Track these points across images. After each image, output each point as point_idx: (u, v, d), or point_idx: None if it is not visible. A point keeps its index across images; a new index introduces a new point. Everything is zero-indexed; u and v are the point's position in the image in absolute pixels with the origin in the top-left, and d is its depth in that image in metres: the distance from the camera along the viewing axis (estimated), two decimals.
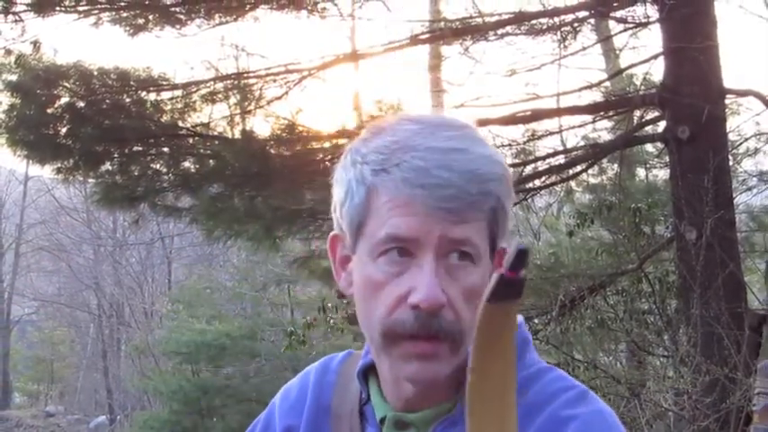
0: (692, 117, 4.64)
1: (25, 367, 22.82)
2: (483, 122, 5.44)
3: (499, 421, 0.70)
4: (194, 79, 5.26)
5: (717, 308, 4.41)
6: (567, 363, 5.70)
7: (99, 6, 5.16)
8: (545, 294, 5.74)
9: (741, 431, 4.18)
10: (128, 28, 5.19)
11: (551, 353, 6.05)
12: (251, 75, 5.36)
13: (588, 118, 5.87)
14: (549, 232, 8.96)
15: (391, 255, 0.87)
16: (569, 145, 6.62)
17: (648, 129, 5.84)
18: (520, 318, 0.98)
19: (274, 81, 5.32)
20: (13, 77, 5.01)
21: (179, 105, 5.30)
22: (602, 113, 5.86)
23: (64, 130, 5.15)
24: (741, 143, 7.07)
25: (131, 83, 5.18)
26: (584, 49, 5.78)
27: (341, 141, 5.04)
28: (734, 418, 4.17)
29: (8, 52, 5.01)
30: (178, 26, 5.25)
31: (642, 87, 5.85)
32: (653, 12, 5.16)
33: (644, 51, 6.19)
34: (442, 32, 5.62)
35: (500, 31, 5.43)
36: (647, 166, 7.80)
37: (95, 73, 5.10)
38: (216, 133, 5.41)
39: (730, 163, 5.46)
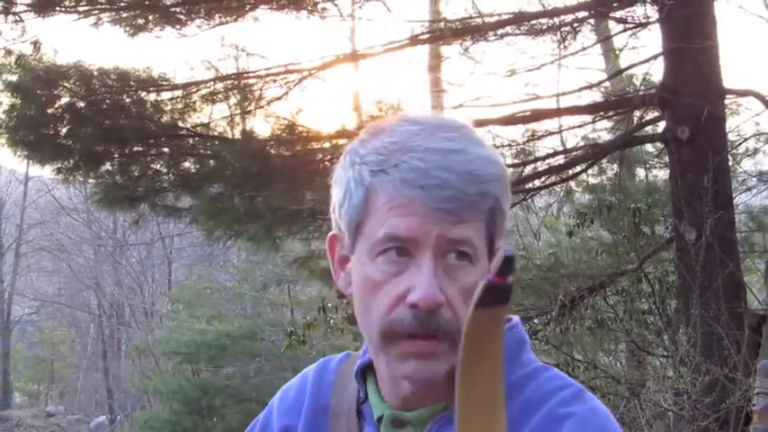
0: (691, 117, 4.65)
1: (25, 367, 22.83)
2: (483, 122, 5.45)
3: (488, 426, 0.70)
4: (194, 79, 5.26)
5: (716, 308, 4.41)
6: (567, 363, 5.71)
7: (99, 7, 5.16)
8: (545, 294, 5.74)
9: (741, 431, 4.18)
10: (128, 28, 5.19)
11: (551, 353, 6.05)
12: (251, 75, 5.37)
13: (588, 118, 5.87)
14: (548, 232, 8.97)
15: (390, 254, 0.87)
16: (569, 145, 6.63)
17: (648, 129, 5.84)
18: (516, 318, 0.99)
19: (274, 81, 5.32)
20: (14, 78, 5.01)
21: (179, 105, 5.31)
22: (601, 114, 5.86)
23: (64, 130, 5.15)
24: (741, 143, 7.07)
25: (131, 83, 5.18)
26: (583, 49, 5.78)
27: (341, 141, 5.05)
28: (733, 417, 4.17)
29: (8, 52, 5.01)
30: (178, 26, 5.25)
31: (642, 87, 5.85)
32: (653, 12, 5.16)
33: (644, 51, 6.19)
34: (442, 33, 5.63)
35: (500, 32, 5.43)
36: (647, 166, 7.81)
37: (95, 73, 5.10)
38: (216, 133, 5.41)
39: (730, 163, 5.46)
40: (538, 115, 5.47)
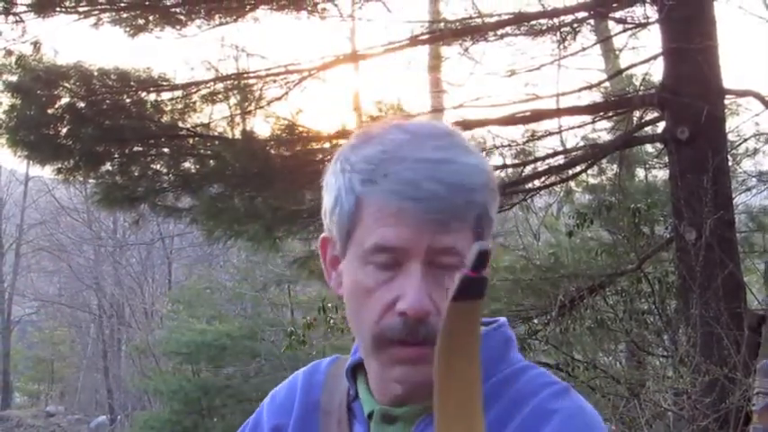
0: (691, 117, 4.65)
1: (26, 367, 22.83)
2: (483, 123, 5.46)
3: (466, 415, 0.72)
4: (194, 80, 5.26)
5: (716, 308, 4.41)
6: (567, 363, 5.71)
7: (99, 7, 5.16)
8: (545, 294, 5.75)
9: (740, 431, 4.19)
10: (128, 29, 5.20)
11: (551, 353, 6.06)
12: (251, 75, 5.37)
13: (588, 118, 5.87)
14: (548, 232, 8.97)
15: (380, 263, 0.89)
16: (569, 145, 6.62)
17: (648, 129, 5.84)
18: (503, 319, 1.02)
19: (274, 81, 5.33)
20: (14, 78, 5.02)
21: (179, 106, 5.31)
22: (601, 114, 5.86)
23: (64, 130, 5.16)
24: (740, 143, 7.08)
25: (131, 83, 5.18)
26: (583, 49, 5.78)
27: (341, 142, 5.04)
28: (733, 417, 4.17)
29: (9, 53, 5.02)
30: (178, 27, 5.25)
31: (641, 88, 5.85)
32: (652, 12, 5.16)
33: (643, 52, 6.20)
34: (442, 33, 5.63)
35: (500, 32, 5.43)
36: (647, 166, 7.81)
37: (96, 73, 5.11)
38: (216, 134, 5.42)
39: (729, 163, 5.46)
40: (538, 115, 5.47)
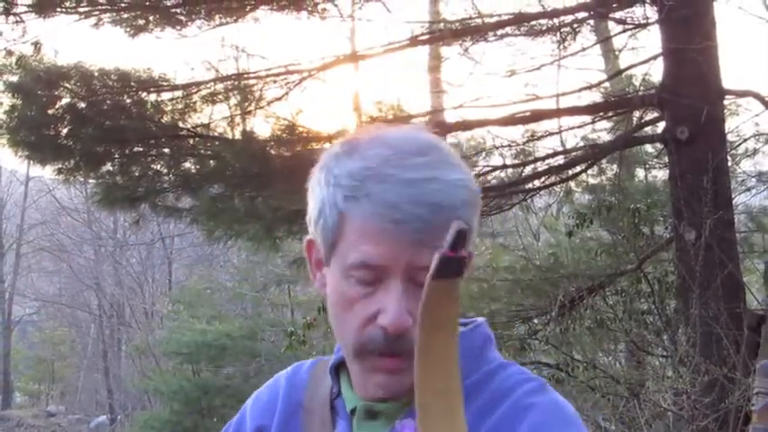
0: (691, 118, 4.65)
1: (26, 367, 22.85)
2: (483, 123, 5.46)
3: (444, 389, 0.75)
4: (195, 80, 5.27)
5: (716, 308, 4.42)
6: (567, 363, 5.72)
7: (99, 7, 5.17)
8: (545, 294, 5.75)
9: (740, 431, 4.19)
10: (128, 29, 5.20)
11: (551, 353, 6.06)
12: (251, 75, 5.37)
13: (588, 119, 5.88)
14: (548, 233, 8.99)
15: (361, 278, 0.92)
16: (569, 145, 6.63)
17: (648, 129, 5.84)
18: (481, 319, 1.05)
19: (274, 82, 5.33)
20: (15, 78, 5.02)
21: (179, 106, 5.32)
22: (601, 114, 5.86)
23: (65, 130, 5.16)
24: (740, 144, 7.08)
25: (132, 84, 5.19)
26: (583, 49, 5.78)
27: None
28: (733, 417, 4.18)
29: (9, 53, 5.02)
30: (179, 27, 5.26)
31: (641, 88, 5.86)
32: (652, 13, 5.16)
33: (643, 52, 6.20)
34: (442, 33, 5.63)
35: (499, 32, 5.43)
36: (647, 166, 7.82)
37: (96, 74, 5.11)
38: (216, 134, 5.42)
39: (729, 163, 5.46)
40: (537, 116, 5.47)
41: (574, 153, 5.99)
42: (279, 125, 5.35)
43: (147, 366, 16.00)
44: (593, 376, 5.49)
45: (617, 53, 7.75)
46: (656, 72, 5.46)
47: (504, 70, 5.59)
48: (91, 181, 6.11)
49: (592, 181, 7.53)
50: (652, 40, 6.41)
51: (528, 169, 5.74)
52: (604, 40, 6.94)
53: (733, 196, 5.51)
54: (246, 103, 5.33)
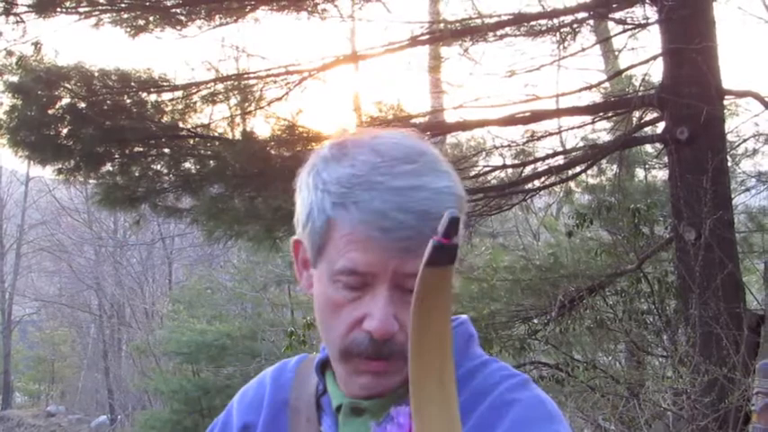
0: (690, 118, 4.66)
1: (26, 367, 22.85)
2: (482, 123, 5.47)
3: (438, 371, 0.76)
4: (195, 80, 5.27)
5: (715, 308, 4.42)
6: (567, 363, 5.72)
7: (100, 8, 5.17)
8: (544, 294, 5.75)
9: (740, 431, 4.20)
10: (128, 29, 5.21)
11: (551, 353, 6.06)
12: (251, 76, 5.38)
13: (587, 119, 5.88)
14: (548, 233, 8.99)
15: (348, 283, 0.93)
16: (568, 146, 6.64)
17: (647, 129, 5.85)
18: (465, 317, 1.06)
19: (275, 82, 5.34)
20: (15, 79, 5.02)
21: (180, 106, 5.32)
22: (601, 114, 5.87)
23: (65, 130, 5.16)
24: (740, 144, 7.09)
25: (132, 84, 5.19)
26: (583, 50, 5.78)
27: None
28: (732, 417, 4.18)
29: (9, 53, 5.02)
30: (179, 27, 5.26)
31: (641, 88, 5.85)
32: (652, 13, 5.17)
33: (643, 52, 6.19)
34: (442, 34, 5.63)
35: (499, 33, 5.44)
36: (647, 166, 7.82)
37: (96, 74, 5.12)
38: (216, 134, 5.43)
39: (729, 164, 5.47)
40: (537, 116, 5.47)
41: (574, 153, 6.00)
42: (279, 125, 5.35)
43: (147, 366, 16.00)
44: (593, 376, 5.49)
45: (617, 53, 7.76)
46: (656, 72, 5.48)
47: (503, 70, 5.59)
48: (91, 181, 6.11)
49: (592, 181, 7.54)
50: (652, 40, 6.41)
51: (528, 169, 5.75)
52: (604, 40, 6.94)
53: (733, 196, 5.52)
54: (246, 104, 5.34)
